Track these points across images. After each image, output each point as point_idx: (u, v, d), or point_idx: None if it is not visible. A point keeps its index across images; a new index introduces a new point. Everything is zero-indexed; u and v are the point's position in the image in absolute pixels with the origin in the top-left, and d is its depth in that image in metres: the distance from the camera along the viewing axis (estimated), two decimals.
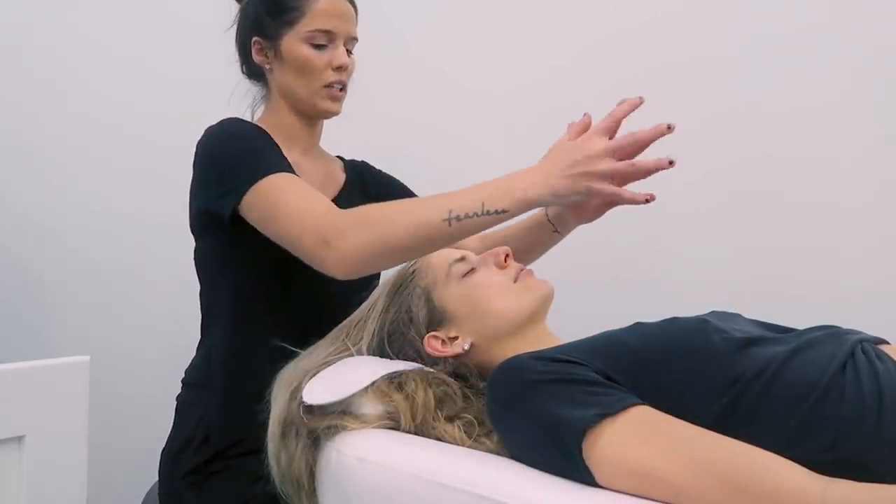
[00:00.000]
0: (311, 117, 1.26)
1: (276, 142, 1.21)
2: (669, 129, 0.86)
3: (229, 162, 1.11)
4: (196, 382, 1.20)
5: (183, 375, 1.23)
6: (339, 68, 1.20)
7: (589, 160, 0.88)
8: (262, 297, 1.15)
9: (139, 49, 1.81)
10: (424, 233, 0.92)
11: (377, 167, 1.41)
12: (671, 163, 0.86)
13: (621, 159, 0.89)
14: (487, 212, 0.90)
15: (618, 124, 0.90)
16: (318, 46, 1.19)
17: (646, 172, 0.91)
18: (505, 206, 0.90)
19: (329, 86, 1.20)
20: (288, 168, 1.10)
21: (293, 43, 1.19)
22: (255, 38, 1.22)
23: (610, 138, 0.90)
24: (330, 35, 1.19)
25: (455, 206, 0.90)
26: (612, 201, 0.98)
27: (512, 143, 1.88)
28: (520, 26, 1.89)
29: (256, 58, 1.23)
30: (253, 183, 1.06)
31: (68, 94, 1.78)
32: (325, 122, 1.30)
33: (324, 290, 1.11)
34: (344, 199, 1.29)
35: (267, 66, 1.23)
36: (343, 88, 1.23)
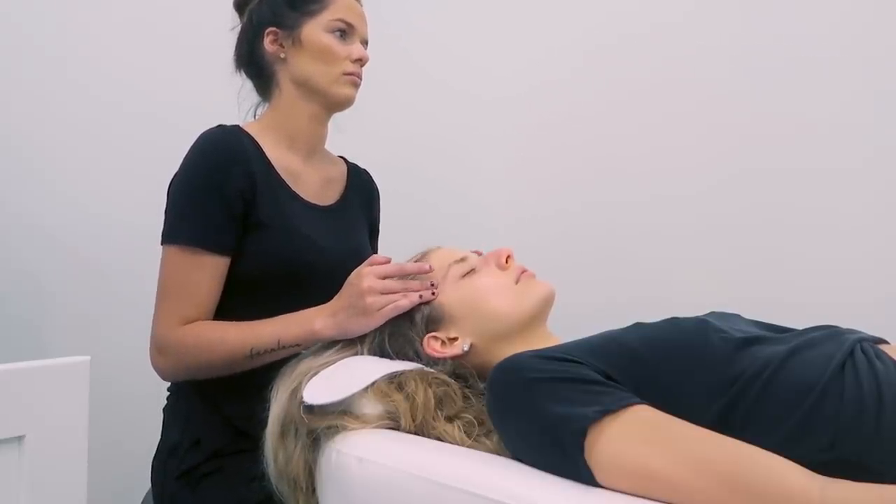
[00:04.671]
0: (327, 107, 1.25)
1: (276, 145, 1.19)
2: (430, 269, 1.01)
3: (172, 203, 1.14)
4: (179, 390, 1.20)
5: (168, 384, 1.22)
6: (358, 60, 1.22)
7: (358, 297, 1.00)
8: (245, 310, 1.12)
9: (141, 51, 1.81)
10: (231, 364, 1.07)
11: (381, 183, 1.42)
12: (433, 284, 1.00)
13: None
14: (283, 346, 1.05)
15: (397, 274, 1.01)
16: (340, 33, 1.21)
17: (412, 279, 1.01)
18: (299, 342, 1.05)
19: (348, 73, 1.22)
20: (205, 236, 1.10)
21: (314, 30, 1.21)
22: (269, 29, 1.22)
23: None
24: (350, 28, 1.22)
25: (256, 343, 1.05)
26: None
27: (512, 149, 1.89)
28: (521, 33, 1.89)
29: (269, 48, 1.22)
30: (166, 242, 1.12)
31: (69, 94, 1.78)
32: (326, 129, 1.29)
33: (310, 305, 1.09)
34: (340, 207, 1.29)
35: (281, 56, 1.22)
36: (360, 79, 1.24)
